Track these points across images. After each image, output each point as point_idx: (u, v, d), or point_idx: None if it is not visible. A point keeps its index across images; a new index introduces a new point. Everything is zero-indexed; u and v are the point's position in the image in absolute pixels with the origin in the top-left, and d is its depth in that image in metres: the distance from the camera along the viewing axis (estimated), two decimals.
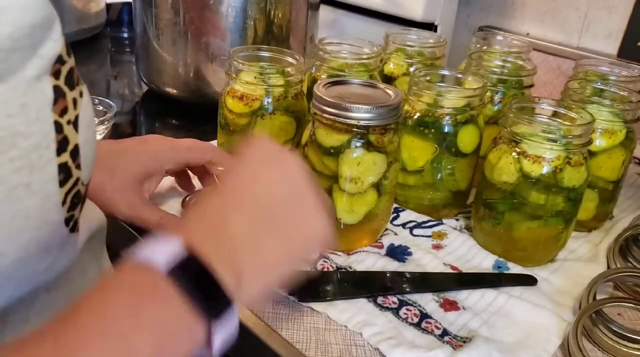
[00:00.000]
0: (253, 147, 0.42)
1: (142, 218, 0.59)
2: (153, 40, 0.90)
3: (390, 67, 0.81)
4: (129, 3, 1.36)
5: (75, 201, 0.34)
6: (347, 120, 0.54)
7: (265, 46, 0.72)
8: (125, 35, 1.38)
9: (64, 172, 0.32)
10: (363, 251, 0.60)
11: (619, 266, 0.61)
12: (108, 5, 1.34)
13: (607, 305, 0.54)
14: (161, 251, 0.32)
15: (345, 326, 0.51)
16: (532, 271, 0.59)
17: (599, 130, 0.64)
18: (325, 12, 1.13)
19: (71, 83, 0.33)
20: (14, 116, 0.29)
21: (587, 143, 0.57)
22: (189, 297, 0.31)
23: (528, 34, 1.06)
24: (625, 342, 0.51)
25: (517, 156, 0.58)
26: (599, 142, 0.64)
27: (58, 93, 0.32)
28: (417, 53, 0.81)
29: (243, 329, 0.50)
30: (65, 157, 0.32)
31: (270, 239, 0.38)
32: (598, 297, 0.55)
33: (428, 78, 0.67)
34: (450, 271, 0.59)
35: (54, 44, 0.31)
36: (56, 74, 0.32)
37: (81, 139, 0.34)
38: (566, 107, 0.61)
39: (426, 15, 1.01)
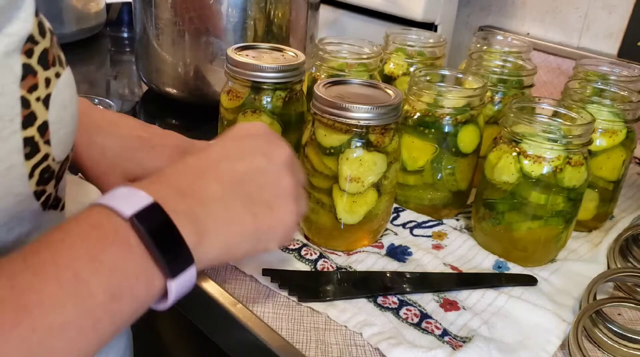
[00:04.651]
0: (245, 127, 0.44)
1: None
2: (153, 40, 0.90)
3: (390, 67, 0.81)
4: (129, 3, 1.36)
5: (45, 176, 0.35)
6: (347, 120, 0.54)
7: (264, 44, 0.71)
8: (125, 35, 1.38)
9: (30, 145, 0.33)
10: (363, 251, 0.60)
11: (619, 266, 0.61)
12: (108, 5, 1.34)
13: (608, 305, 0.54)
14: (127, 200, 0.32)
15: (345, 326, 0.51)
16: (532, 271, 0.59)
17: (599, 130, 0.64)
18: (325, 12, 1.13)
19: (45, 63, 0.34)
20: None
21: (588, 143, 0.57)
22: (148, 247, 0.32)
23: (528, 33, 1.06)
24: (626, 342, 0.51)
25: (517, 156, 0.58)
26: (599, 142, 0.64)
27: (27, 70, 0.32)
28: (417, 53, 0.81)
29: (242, 328, 0.50)
30: (32, 131, 0.33)
31: (240, 214, 0.38)
32: (598, 297, 0.54)
33: (428, 78, 0.67)
34: (451, 271, 0.59)
35: (23, 24, 0.32)
36: (28, 53, 0.32)
37: (52, 117, 0.34)
38: (566, 107, 0.61)
39: (426, 15, 1.01)
